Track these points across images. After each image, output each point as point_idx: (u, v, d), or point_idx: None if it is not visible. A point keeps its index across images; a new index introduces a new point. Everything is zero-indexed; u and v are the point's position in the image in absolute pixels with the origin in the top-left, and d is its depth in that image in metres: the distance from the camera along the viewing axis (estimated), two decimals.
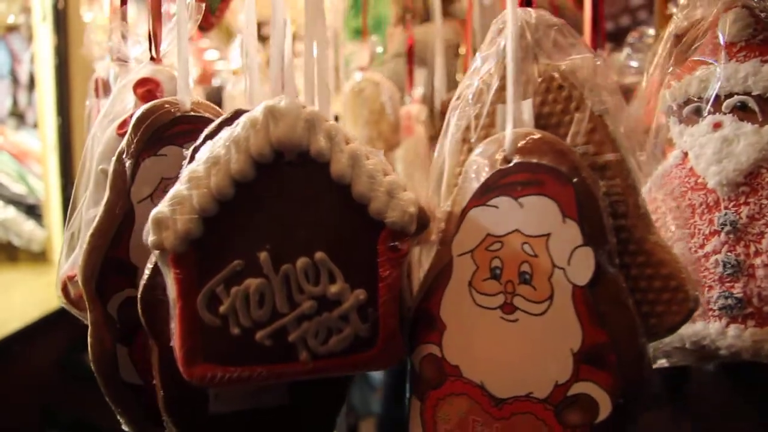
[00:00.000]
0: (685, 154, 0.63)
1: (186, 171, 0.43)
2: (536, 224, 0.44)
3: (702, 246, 0.58)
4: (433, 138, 1.11)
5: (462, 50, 1.36)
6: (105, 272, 0.53)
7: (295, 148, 0.43)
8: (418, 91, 1.33)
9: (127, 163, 0.53)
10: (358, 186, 0.44)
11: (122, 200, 0.54)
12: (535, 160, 0.43)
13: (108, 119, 0.66)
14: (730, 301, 0.54)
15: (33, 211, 2.06)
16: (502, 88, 0.52)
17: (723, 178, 0.56)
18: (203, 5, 0.72)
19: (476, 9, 1.22)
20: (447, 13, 1.45)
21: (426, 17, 1.55)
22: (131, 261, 0.54)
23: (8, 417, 1.63)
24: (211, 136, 0.48)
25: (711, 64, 0.62)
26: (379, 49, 1.36)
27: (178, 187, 0.42)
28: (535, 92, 0.50)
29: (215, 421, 0.50)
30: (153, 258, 0.48)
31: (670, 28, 0.69)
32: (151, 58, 0.65)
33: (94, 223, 0.55)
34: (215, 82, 1.98)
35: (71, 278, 0.62)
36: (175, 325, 0.43)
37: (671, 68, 0.66)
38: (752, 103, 0.56)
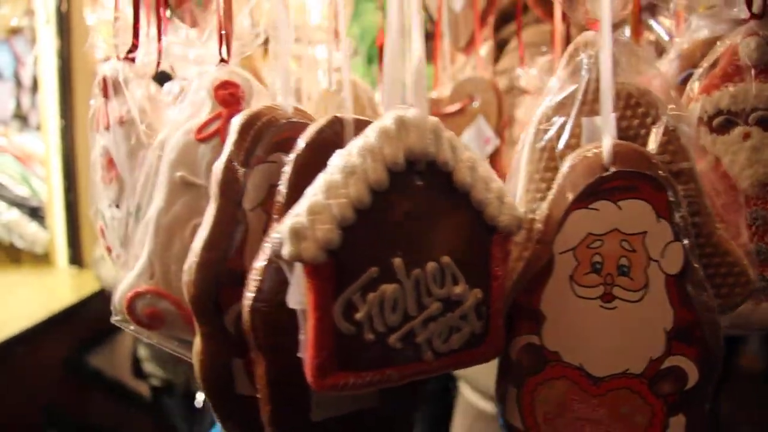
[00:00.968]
0: (718, 160, 0.70)
1: (321, 180, 0.40)
2: (633, 224, 0.47)
3: (736, 238, 0.66)
4: None
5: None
6: (219, 285, 0.48)
7: (424, 157, 0.43)
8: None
9: (240, 171, 0.49)
10: (477, 193, 0.45)
11: (234, 209, 0.49)
12: (631, 169, 0.47)
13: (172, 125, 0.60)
14: (762, 283, 0.60)
15: (36, 213, 1.96)
16: (584, 102, 0.57)
17: (754, 180, 0.62)
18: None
19: (445, 15, 1.16)
20: None
21: None
22: (246, 272, 0.48)
23: (11, 417, 1.58)
24: (312, 145, 0.46)
25: (737, 83, 0.69)
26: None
27: (314, 197, 0.40)
28: (614, 108, 0.55)
29: (316, 429, 0.49)
30: (259, 266, 0.45)
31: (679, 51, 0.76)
32: (221, 60, 0.60)
33: (202, 235, 0.49)
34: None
35: (140, 294, 0.57)
36: (307, 336, 0.41)
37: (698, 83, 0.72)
38: None
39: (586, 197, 0.48)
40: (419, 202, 0.44)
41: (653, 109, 0.53)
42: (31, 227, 1.94)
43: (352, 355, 0.41)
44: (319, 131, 0.47)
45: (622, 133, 0.53)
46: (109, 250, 0.77)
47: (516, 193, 0.56)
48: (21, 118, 2.09)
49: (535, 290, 0.50)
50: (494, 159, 1.04)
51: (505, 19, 1.27)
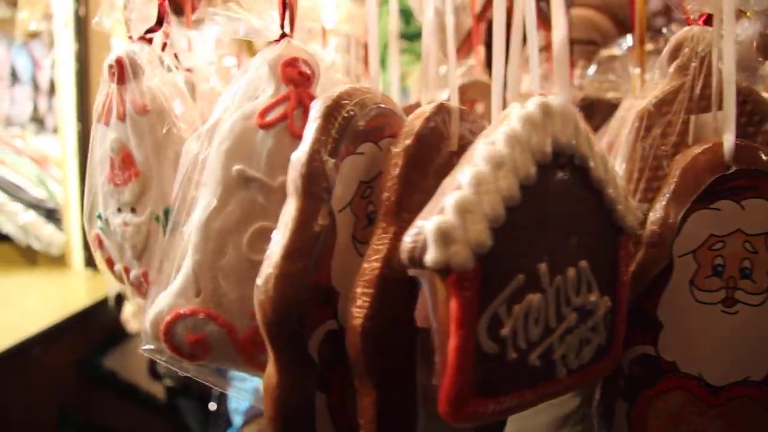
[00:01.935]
0: None
1: (467, 173, 0.32)
2: (757, 224, 0.42)
3: None
4: None
5: None
6: (303, 303, 0.38)
7: (568, 149, 0.36)
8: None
9: (330, 163, 0.39)
10: (610, 191, 0.39)
11: (323, 210, 0.39)
12: (753, 167, 0.42)
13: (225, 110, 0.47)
14: None
15: (52, 215, 1.84)
16: (690, 99, 0.53)
17: None
18: None
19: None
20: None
21: None
22: (333, 286, 0.39)
23: (25, 418, 1.52)
24: (421, 135, 0.39)
25: None
26: None
27: (462, 192, 0.32)
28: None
29: None
30: (368, 278, 0.36)
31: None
32: (283, 34, 0.46)
33: (280, 242, 0.38)
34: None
35: (182, 317, 0.44)
36: (444, 359, 0.32)
37: None
38: None
39: (707, 197, 0.42)
40: (562, 199, 0.37)
41: (760, 107, 0.49)
42: (48, 229, 1.84)
43: (491, 377, 0.33)
44: (428, 120, 0.40)
45: None
46: (110, 262, 0.62)
47: None
48: (38, 121, 1.99)
49: (652, 296, 0.43)
50: None
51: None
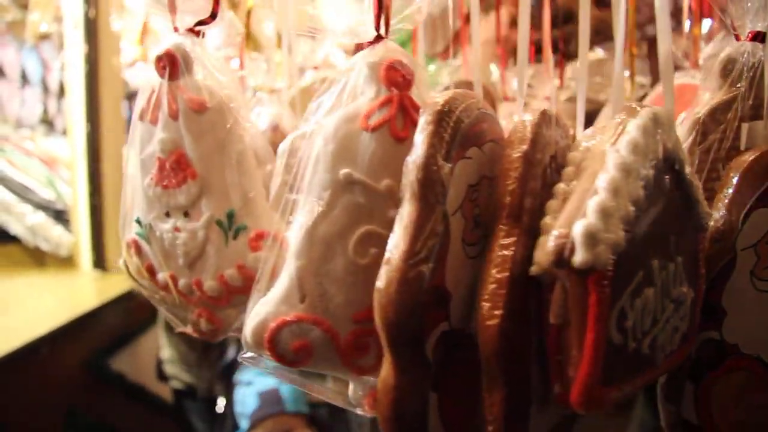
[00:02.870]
0: None
1: (604, 179, 0.34)
2: None
3: None
4: None
5: None
6: (423, 306, 0.38)
7: (672, 154, 0.39)
8: None
9: (446, 167, 0.39)
10: (694, 191, 0.42)
11: (439, 214, 0.39)
12: None
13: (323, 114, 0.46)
14: None
15: (61, 216, 1.80)
16: (742, 108, 0.56)
17: None
18: None
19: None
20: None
21: None
22: (447, 288, 0.40)
23: (33, 419, 1.49)
24: (536, 140, 0.40)
25: None
26: None
27: (601, 197, 0.34)
28: None
29: None
30: (500, 277, 0.37)
31: None
32: (378, 36, 0.45)
33: (400, 245, 0.38)
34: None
35: (288, 323, 0.42)
36: (579, 352, 0.34)
37: None
38: None
39: (766, 197, 0.47)
40: (666, 201, 0.40)
41: None
42: (56, 230, 1.80)
43: (615, 367, 0.35)
44: (538, 125, 0.41)
45: None
46: (151, 270, 0.57)
47: None
48: (47, 122, 1.92)
49: (717, 286, 0.47)
50: None
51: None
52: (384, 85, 0.44)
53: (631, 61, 0.83)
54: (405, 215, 0.39)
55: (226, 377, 1.47)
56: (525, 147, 0.39)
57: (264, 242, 0.49)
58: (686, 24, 0.85)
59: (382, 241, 0.39)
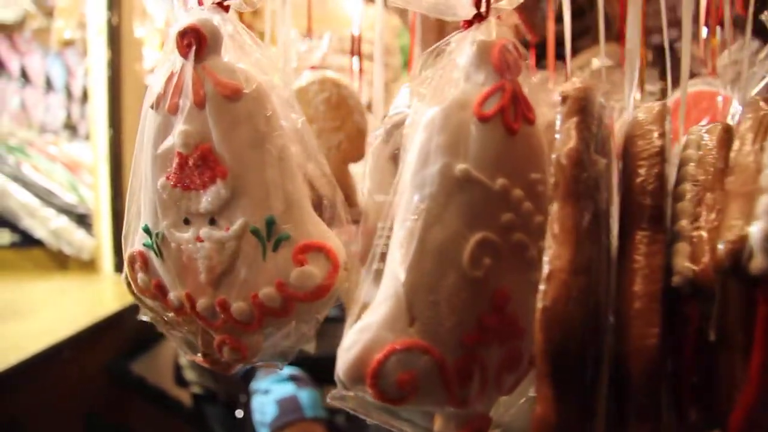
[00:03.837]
0: None
1: None
2: None
3: None
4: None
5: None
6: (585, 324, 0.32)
7: None
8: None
9: (602, 162, 0.33)
10: None
11: (595, 216, 0.33)
12: None
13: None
14: None
15: (83, 220, 1.79)
16: None
17: None
18: None
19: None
20: None
21: None
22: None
23: (54, 422, 1.49)
24: (663, 136, 0.35)
25: None
26: None
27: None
28: None
29: None
30: (646, 294, 0.32)
31: None
32: (478, 15, 0.38)
33: (562, 254, 0.32)
34: None
35: (396, 352, 0.36)
36: (742, 374, 0.30)
37: None
38: None
39: None
40: None
41: None
42: (79, 234, 1.80)
43: None
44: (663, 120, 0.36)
45: None
46: (160, 290, 0.46)
47: None
48: (71, 128, 1.94)
49: None
50: None
51: None
52: (494, 69, 0.37)
53: (641, 69, 0.77)
54: (557, 219, 0.32)
55: (245, 383, 1.43)
56: (660, 143, 0.33)
57: (309, 255, 0.40)
58: (703, 31, 0.78)
59: (496, 250, 0.34)
